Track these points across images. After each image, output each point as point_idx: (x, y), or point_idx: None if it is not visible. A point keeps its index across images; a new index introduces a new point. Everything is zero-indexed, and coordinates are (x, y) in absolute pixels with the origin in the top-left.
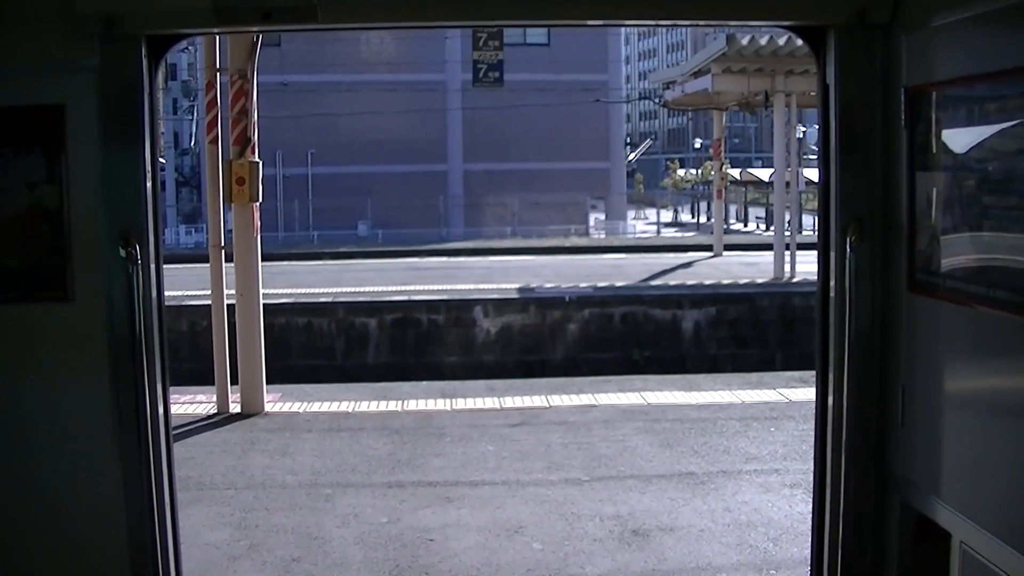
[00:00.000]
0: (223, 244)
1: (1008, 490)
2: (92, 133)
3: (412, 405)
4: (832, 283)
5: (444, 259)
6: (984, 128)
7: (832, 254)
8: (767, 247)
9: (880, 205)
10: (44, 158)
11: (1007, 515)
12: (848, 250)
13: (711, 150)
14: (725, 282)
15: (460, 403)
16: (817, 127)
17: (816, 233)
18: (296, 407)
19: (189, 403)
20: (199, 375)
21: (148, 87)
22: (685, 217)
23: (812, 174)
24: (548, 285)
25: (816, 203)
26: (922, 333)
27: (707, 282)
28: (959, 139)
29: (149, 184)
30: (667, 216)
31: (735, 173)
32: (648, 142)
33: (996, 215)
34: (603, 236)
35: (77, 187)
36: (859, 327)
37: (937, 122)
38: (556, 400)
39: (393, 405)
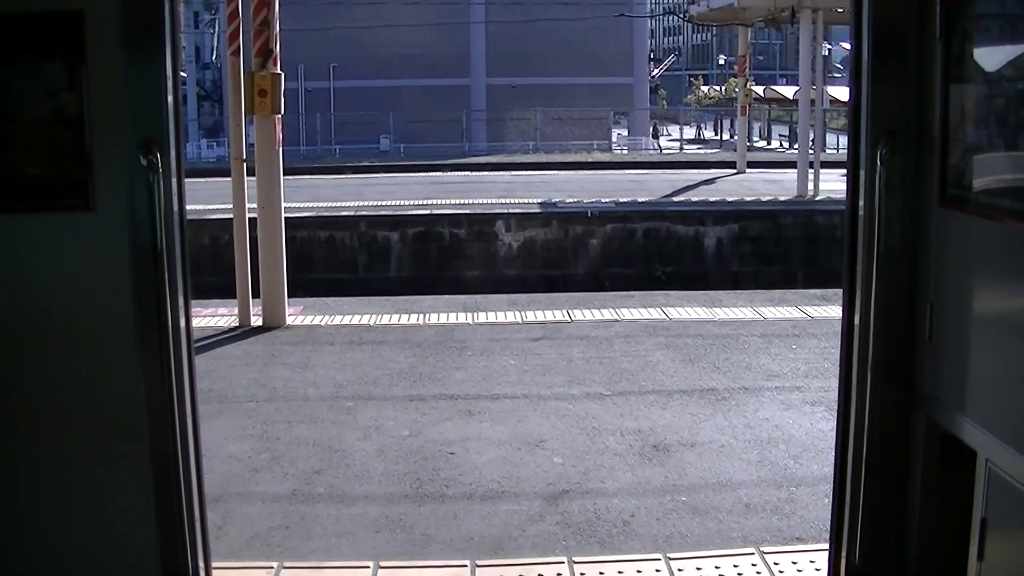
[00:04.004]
0: (245, 157)
1: None
2: (112, 39)
3: (434, 318)
4: (862, 197)
5: (466, 174)
6: (1023, 40)
7: (862, 168)
8: (790, 164)
9: (913, 118)
10: (64, 64)
11: None
12: (879, 164)
13: (736, 67)
14: (748, 199)
15: (482, 317)
16: (843, 44)
17: (843, 149)
18: (318, 320)
19: (211, 316)
20: (221, 288)
21: None
22: (708, 134)
23: (837, 92)
24: (570, 200)
25: (841, 121)
26: (953, 248)
27: (730, 199)
28: (996, 51)
29: (171, 93)
30: (690, 133)
31: (759, 90)
32: (672, 58)
33: None
34: (626, 152)
35: (98, 95)
36: (888, 241)
37: (974, 34)
38: (578, 315)
39: (415, 318)
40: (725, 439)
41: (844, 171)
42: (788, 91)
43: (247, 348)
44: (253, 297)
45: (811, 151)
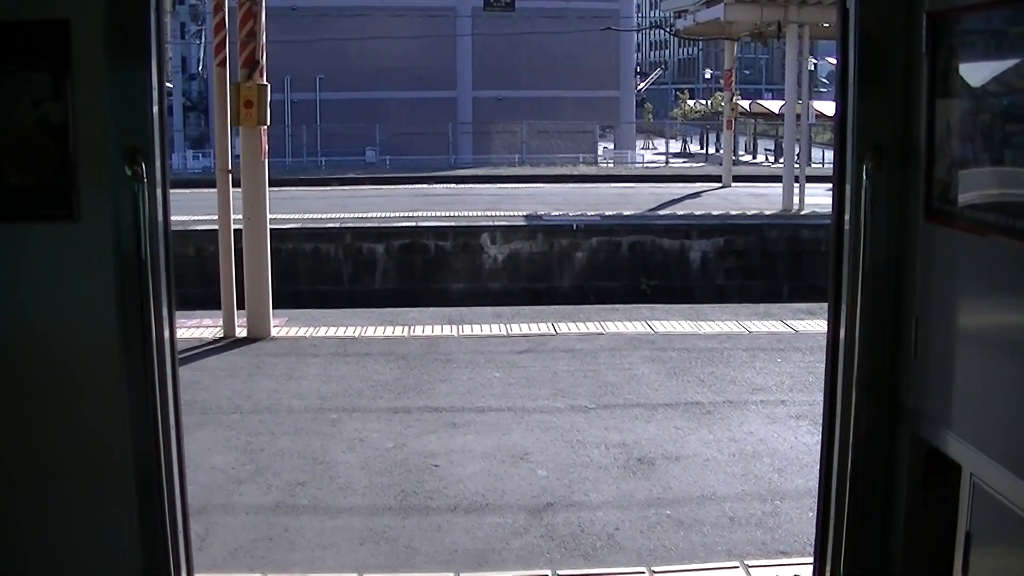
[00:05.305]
0: (231, 168)
1: (1021, 422)
2: (98, 49)
3: (419, 331)
4: (847, 212)
5: (452, 186)
6: (1008, 55)
7: (848, 182)
8: (776, 179)
9: (898, 132)
10: (49, 73)
11: (1019, 447)
12: (864, 178)
13: (722, 81)
14: (733, 213)
15: (467, 329)
16: (829, 59)
17: (828, 164)
18: (303, 332)
19: (196, 327)
20: (206, 300)
21: (155, 2)
22: (694, 148)
23: (823, 106)
24: (556, 213)
25: (826, 136)
26: (938, 263)
27: (715, 212)
28: (981, 66)
29: (156, 104)
30: (676, 146)
31: (745, 104)
32: (658, 72)
33: (1018, 143)
34: (611, 165)
35: (83, 104)
36: (874, 256)
37: (959, 49)
38: (563, 327)
39: (400, 331)
40: (710, 453)
41: (830, 185)
42: (774, 105)
43: (231, 359)
44: (238, 308)
45: (796, 165)
